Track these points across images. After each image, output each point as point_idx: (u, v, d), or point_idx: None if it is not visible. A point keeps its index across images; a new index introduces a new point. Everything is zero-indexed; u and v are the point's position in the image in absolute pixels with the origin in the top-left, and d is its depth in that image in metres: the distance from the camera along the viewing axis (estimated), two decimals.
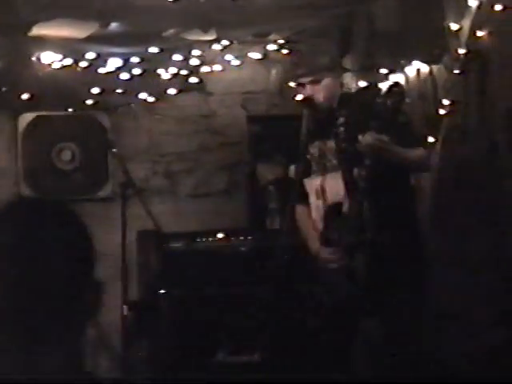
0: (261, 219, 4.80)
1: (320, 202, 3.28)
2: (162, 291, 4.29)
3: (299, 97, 3.37)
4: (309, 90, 3.30)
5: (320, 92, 3.28)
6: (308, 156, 3.31)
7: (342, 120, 3.17)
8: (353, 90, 3.44)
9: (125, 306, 4.09)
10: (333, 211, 3.21)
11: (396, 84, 3.10)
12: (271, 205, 4.80)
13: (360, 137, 3.06)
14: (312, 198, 3.33)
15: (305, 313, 3.97)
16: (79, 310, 1.10)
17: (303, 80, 3.32)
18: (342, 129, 3.16)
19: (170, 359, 4.17)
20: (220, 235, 4.50)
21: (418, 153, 3.18)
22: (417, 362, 3.12)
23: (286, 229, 3.40)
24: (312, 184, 3.33)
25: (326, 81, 3.29)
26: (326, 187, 3.26)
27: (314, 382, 3.27)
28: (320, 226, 3.28)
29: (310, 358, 3.64)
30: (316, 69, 3.33)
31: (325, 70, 3.32)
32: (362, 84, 3.64)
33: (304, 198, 3.35)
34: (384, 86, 4.29)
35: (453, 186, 3.74)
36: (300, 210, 3.39)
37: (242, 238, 4.51)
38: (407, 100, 3.27)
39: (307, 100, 3.30)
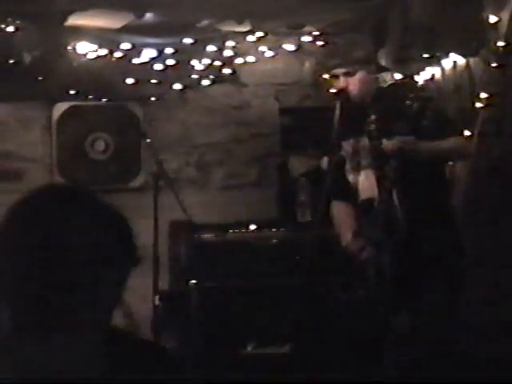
0: (292, 211, 4.78)
1: (354, 198, 3.26)
2: (193, 282, 4.30)
3: (333, 88, 3.34)
4: (343, 82, 3.26)
5: (354, 85, 3.25)
6: (343, 153, 3.29)
7: (374, 117, 3.14)
8: (387, 86, 3.40)
9: (156, 296, 4.10)
10: (365, 207, 3.19)
11: (422, 88, 3.08)
12: (302, 197, 4.78)
13: (384, 141, 3.05)
14: (355, 194, 3.30)
15: (334, 306, 3.96)
16: (110, 300, 1.11)
17: (337, 71, 3.29)
18: (374, 126, 3.13)
19: (199, 350, 4.18)
20: (251, 227, 4.50)
21: (453, 142, 3.14)
22: (445, 362, 3.09)
23: (317, 221, 3.38)
24: (350, 178, 3.30)
25: (361, 74, 3.25)
26: (360, 183, 3.24)
27: (340, 376, 3.25)
28: (353, 221, 3.26)
29: (338, 351, 3.62)
30: (351, 61, 3.30)
31: (360, 64, 3.29)
32: (398, 77, 3.60)
33: (344, 192, 3.32)
34: (419, 80, 4.25)
35: (489, 180, 3.69)
36: (338, 204, 3.36)
37: (272, 229, 4.49)
38: (434, 103, 3.24)
39: (341, 92, 3.27)
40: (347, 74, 3.26)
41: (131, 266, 1.27)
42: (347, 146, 3.30)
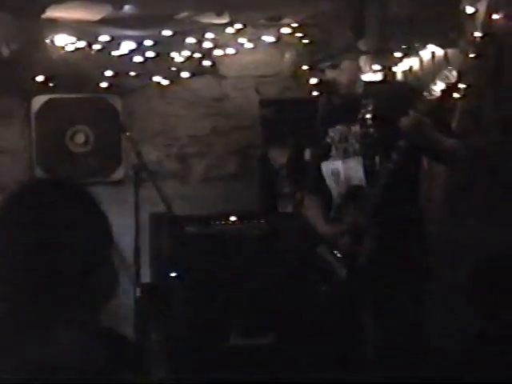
0: (273, 203, 4.80)
1: (337, 185, 3.27)
2: (174, 274, 4.31)
3: (318, 81, 3.35)
4: (328, 73, 3.26)
5: (341, 76, 3.24)
6: (328, 140, 3.29)
7: (369, 105, 3.14)
8: (376, 75, 3.41)
9: (137, 289, 4.11)
10: (349, 195, 3.21)
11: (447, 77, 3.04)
12: (283, 189, 4.80)
13: (403, 119, 3.02)
14: (328, 181, 3.32)
15: (316, 296, 3.98)
16: (93, 294, 1.11)
17: (322, 64, 3.30)
18: (368, 114, 3.13)
19: (182, 342, 4.19)
20: (232, 218, 4.51)
21: (452, 142, 3.14)
22: (417, 358, 3.12)
23: (297, 213, 3.39)
24: (330, 167, 3.31)
25: (345, 64, 3.26)
26: (344, 171, 3.25)
27: (324, 376, 3.27)
28: (334, 208, 3.28)
29: (322, 340, 3.64)
30: (334, 52, 3.31)
31: (343, 54, 3.29)
32: (376, 68, 3.62)
33: (317, 181, 3.34)
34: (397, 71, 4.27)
35: (469, 172, 3.72)
36: (311, 192, 3.38)
37: (254, 221, 4.51)
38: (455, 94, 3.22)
39: (327, 83, 3.27)
40: (331, 66, 3.26)
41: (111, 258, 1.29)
42: (334, 133, 3.30)
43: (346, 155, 3.25)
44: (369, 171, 3.15)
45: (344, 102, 3.26)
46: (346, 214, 3.22)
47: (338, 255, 3.22)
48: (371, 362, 3.33)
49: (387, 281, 3.13)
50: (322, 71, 3.29)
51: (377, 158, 3.11)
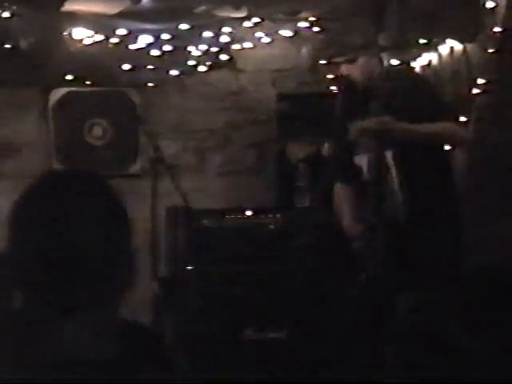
0: (289, 197, 4.79)
1: (359, 181, 3.26)
2: (191, 267, 4.32)
3: (335, 75, 3.34)
4: (345, 68, 3.26)
5: (357, 71, 3.24)
6: (350, 137, 3.28)
7: (380, 99, 3.13)
8: (390, 68, 3.40)
9: (154, 282, 4.12)
10: (366, 191, 3.20)
11: (396, 68, 3.07)
12: (300, 183, 4.79)
13: (360, 122, 3.05)
14: (359, 177, 3.30)
15: (333, 291, 3.98)
16: (112, 285, 1.12)
17: (338, 59, 3.29)
18: (380, 109, 3.12)
19: (197, 336, 4.20)
20: (248, 212, 4.51)
21: (446, 126, 3.13)
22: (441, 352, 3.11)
23: (317, 206, 3.39)
24: (354, 162, 3.30)
25: (363, 59, 3.25)
26: (365, 166, 3.24)
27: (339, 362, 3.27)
28: (354, 205, 3.27)
29: (336, 336, 3.64)
30: (351, 48, 3.30)
31: (360, 49, 3.28)
32: (395, 62, 3.61)
33: (348, 176, 3.32)
34: (416, 65, 4.26)
35: (487, 168, 3.70)
36: (341, 188, 3.37)
37: (270, 215, 4.51)
38: (409, 83, 3.24)
39: (344, 79, 3.27)
40: (349, 61, 3.25)
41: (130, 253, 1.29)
42: (354, 130, 3.29)
43: (365, 150, 3.24)
44: (382, 167, 3.14)
45: (360, 97, 3.25)
46: (364, 210, 3.21)
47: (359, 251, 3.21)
48: (384, 360, 3.32)
49: (405, 280, 3.11)
50: (338, 65, 3.29)
51: (389, 154, 3.10)
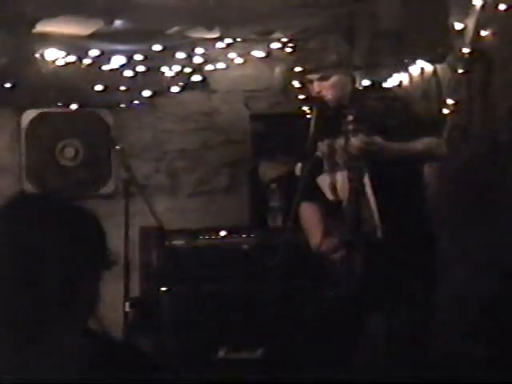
0: (263, 217, 4.80)
1: (332, 199, 3.27)
2: (164, 288, 4.30)
3: (308, 94, 3.36)
4: (317, 86, 3.28)
5: (329, 89, 3.26)
6: (318, 153, 3.30)
7: (351, 118, 3.15)
8: (362, 88, 3.44)
9: (127, 303, 4.09)
10: (339, 209, 3.21)
11: (388, 89, 3.11)
12: (273, 203, 4.80)
13: (352, 140, 3.07)
14: (326, 195, 3.32)
15: (306, 310, 3.98)
16: (81, 307, 1.11)
17: (311, 77, 3.31)
18: (351, 126, 3.15)
19: (170, 356, 4.18)
20: (222, 233, 4.51)
21: (426, 142, 3.16)
22: (417, 361, 3.12)
23: (289, 226, 3.39)
24: (324, 181, 3.32)
25: (335, 78, 3.27)
26: (337, 184, 3.26)
27: (315, 381, 3.27)
28: (328, 222, 3.28)
29: (312, 356, 3.63)
30: (324, 65, 3.32)
31: (333, 67, 3.30)
32: (366, 83, 3.65)
33: (313, 195, 3.34)
34: (388, 85, 4.31)
35: (458, 184, 3.75)
36: (307, 206, 3.38)
37: (243, 235, 4.51)
38: (399, 103, 3.27)
39: (316, 97, 3.29)
40: (321, 79, 3.27)
41: (105, 269, 1.29)
42: (323, 147, 3.31)
43: (336, 169, 3.26)
44: (353, 184, 3.16)
45: (332, 115, 3.27)
46: (338, 228, 3.22)
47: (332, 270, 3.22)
48: (363, 376, 3.32)
49: (378, 299, 3.13)
50: (311, 83, 3.31)
51: (364, 171, 3.13)
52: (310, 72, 3.32)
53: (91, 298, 1.28)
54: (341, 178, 3.23)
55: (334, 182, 3.26)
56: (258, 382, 3.69)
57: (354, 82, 3.37)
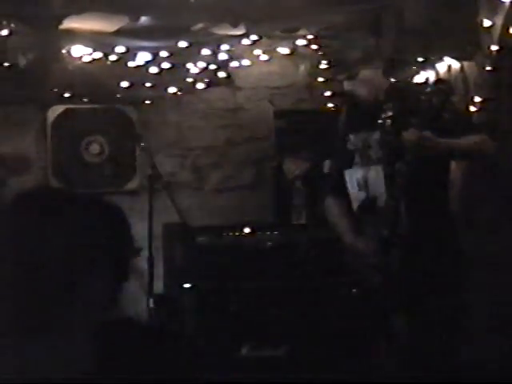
0: (287, 214, 4.79)
1: (362, 194, 3.24)
2: (188, 285, 4.30)
3: (336, 90, 3.33)
4: (346, 85, 3.24)
5: (360, 86, 3.22)
6: (351, 147, 3.26)
7: (388, 112, 3.11)
8: (401, 82, 3.37)
9: (151, 299, 4.11)
10: (372, 204, 3.18)
11: (442, 81, 3.05)
12: (297, 200, 4.79)
13: (404, 133, 3.01)
14: (353, 189, 3.28)
15: (331, 306, 3.96)
16: (106, 302, 1.11)
17: (340, 76, 3.28)
18: (388, 121, 3.11)
19: (194, 353, 4.18)
20: (246, 230, 4.50)
21: (473, 139, 3.10)
22: (445, 362, 3.10)
23: (313, 222, 3.36)
24: (354, 175, 3.28)
25: (364, 74, 3.23)
26: (369, 179, 3.22)
27: (335, 380, 3.25)
28: (358, 217, 3.25)
29: (336, 353, 3.62)
30: (351, 62, 3.28)
31: (360, 63, 3.26)
32: (393, 80, 3.61)
33: (341, 189, 3.31)
34: (429, 82, 4.26)
35: (485, 183, 3.70)
36: (336, 202, 3.35)
37: (267, 232, 4.50)
38: (453, 98, 3.21)
39: (347, 94, 3.25)
40: (350, 77, 3.24)
41: (130, 257, 1.29)
42: (357, 141, 3.26)
43: (369, 163, 3.22)
44: (390, 180, 3.11)
45: (365, 110, 3.22)
46: (370, 223, 3.18)
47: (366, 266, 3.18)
48: (388, 374, 3.30)
49: (414, 295, 3.10)
50: (341, 82, 3.27)
51: (398, 166, 3.08)
52: (339, 71, 3.28)
53: (113, 289, 1.28)
54: (374, 173, 3.20)
55: (367, 177, 3.22)
56: (281, 380, 3.68)
57: (386, 76, 3.32)
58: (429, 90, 3.07)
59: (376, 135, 3.18)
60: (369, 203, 3.19)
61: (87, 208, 1.28)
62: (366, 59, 3.29)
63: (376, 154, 3.19)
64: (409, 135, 2.99)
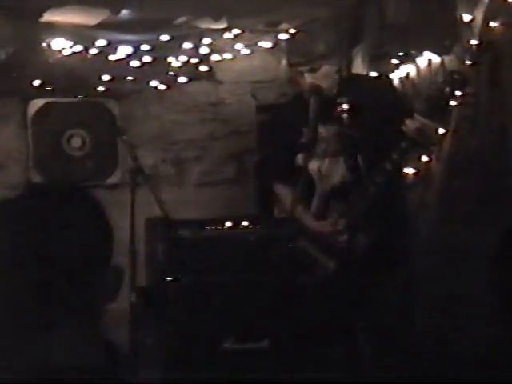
0: (269, 207, 4.80)
1: (319, 185, 3.35)
2: (170, 278, 4.30)
3: (304, 85, 3.42)
4: (308, 78, 3.35)
5: (321, 79, 3.33)
6: (312, 141, 3.37)
7: (345, 105, 3.20)
8: (357, 76, 3.48)
9: (133, 293, 4.10)
10: (331, 194, 3.28)
11: (457, 72, 3.10)
12: (279, 193, 4.79)
13: (408, 121, 3.07)
14: (313, 181, 3.40)
15: (309, 298, 3.99)
16: (91, 297, 1.12)
17: (302, 68, 3.37)
18: (345, 114, 3.20)
19: (176, 346, 4.19)
20: (228, 223, 4.51)
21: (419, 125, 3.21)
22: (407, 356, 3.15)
23: (291, 216, 3.44)
24: (312, 167, 3.39)
25: (325, 68, 3.34)
26: (324, 170, 3.33)
27: (320, 375, 3.28)
28: (317, 206, 3.35)
29: (317, 345, 3.65)
30: (314, 56, 3.38)
31: (323, 58, 3.36)
32: (373, 74, 3.65)
33: (306, 182, 3.39)
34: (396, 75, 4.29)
35: (464, 177, 3.74)
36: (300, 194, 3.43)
37: (250, 226, 4.51)
38: (467, 90, 3.26)
39: (311, 87, 3.35)
40: (312, 70, 3.34)
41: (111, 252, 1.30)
42: (317, 133, 3.37)
43: (326, 154, 3.31)
44: (351, 170, 3.22)
45: (324, 103, 3.32)
46: (331, 211, 3.28)
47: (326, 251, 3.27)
48: (364, 360, 3.34)
49: (378, 278, 3.17)
50: (302, 74, 3.37)
51: (359, 157, 3.18)
52: (301, 64, 3.37)
53: (104, 289, 1.28)
54: (330, 164, 3.29)
55: (322, 168, 3.33)
56: (265, 373, 3.71)
57: (347, 70, 3.43)
58: (443, 79, 3.13)
59: (333, 128, 3.29)
60: (326, 194, 3.31)
61: (68, 201, 1.29)
62: (328, 52, 3.38)
63: (331, 147, 3.30)
64: (413, 123, 3.05)
